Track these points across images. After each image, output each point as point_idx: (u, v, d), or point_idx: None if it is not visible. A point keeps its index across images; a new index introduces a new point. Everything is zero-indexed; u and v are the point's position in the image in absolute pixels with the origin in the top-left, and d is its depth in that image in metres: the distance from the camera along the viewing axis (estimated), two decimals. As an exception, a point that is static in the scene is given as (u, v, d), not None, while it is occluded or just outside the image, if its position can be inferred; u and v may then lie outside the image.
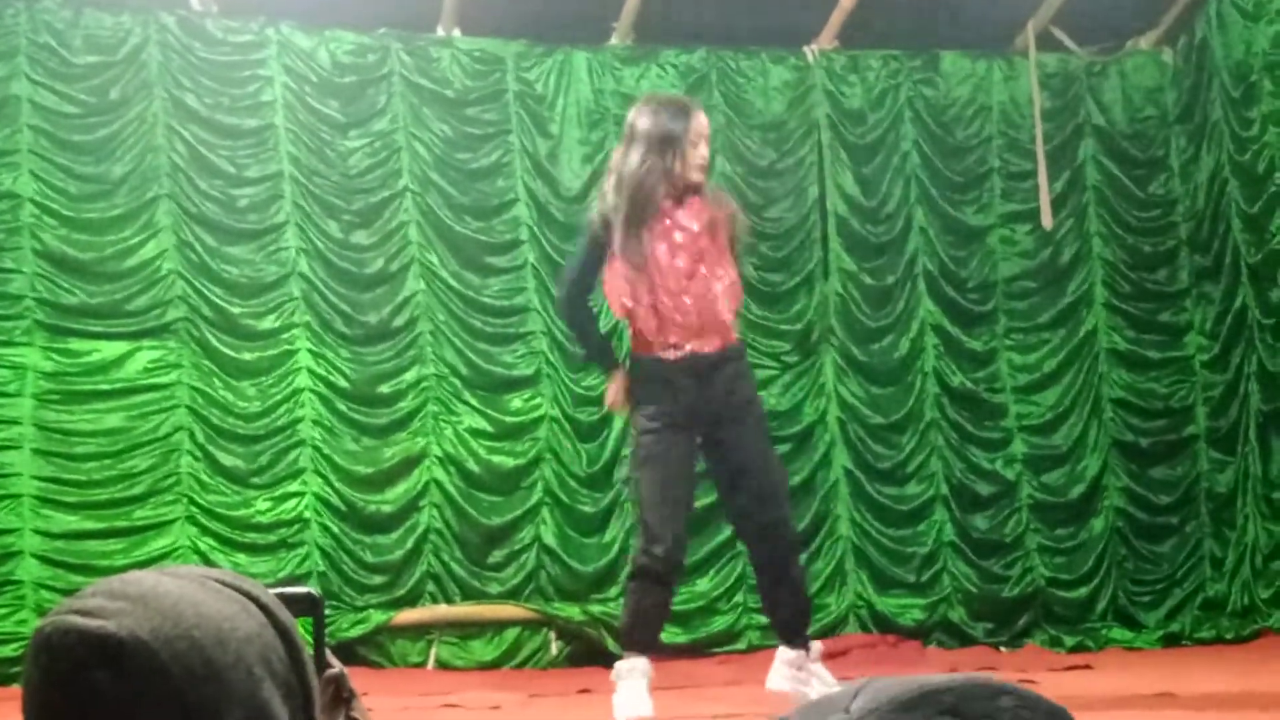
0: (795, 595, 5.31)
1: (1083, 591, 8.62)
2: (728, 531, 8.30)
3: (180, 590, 1.10)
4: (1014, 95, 8.96)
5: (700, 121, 5.32)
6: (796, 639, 5.29)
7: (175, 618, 1.07)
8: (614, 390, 5.33)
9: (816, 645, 5.39)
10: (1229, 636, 8.26)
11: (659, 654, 7.88)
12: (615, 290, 5.19)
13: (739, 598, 8.27)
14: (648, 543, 5.10)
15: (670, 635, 8.08)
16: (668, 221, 5.20)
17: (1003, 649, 8.30)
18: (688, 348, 5.16)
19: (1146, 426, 8.87)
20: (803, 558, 6.00)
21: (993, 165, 8.92)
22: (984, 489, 8.68)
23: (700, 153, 5.25)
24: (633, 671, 5.12)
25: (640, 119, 5.24)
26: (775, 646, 5.37)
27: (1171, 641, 8.42)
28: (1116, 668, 7.30)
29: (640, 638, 5.22)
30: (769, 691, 5.33)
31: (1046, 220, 8.72)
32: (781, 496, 5.35)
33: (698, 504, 8.31)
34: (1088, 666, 7.44)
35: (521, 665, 7.93)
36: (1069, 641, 8.36)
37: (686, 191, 5.25)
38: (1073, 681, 6.47)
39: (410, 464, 8.07)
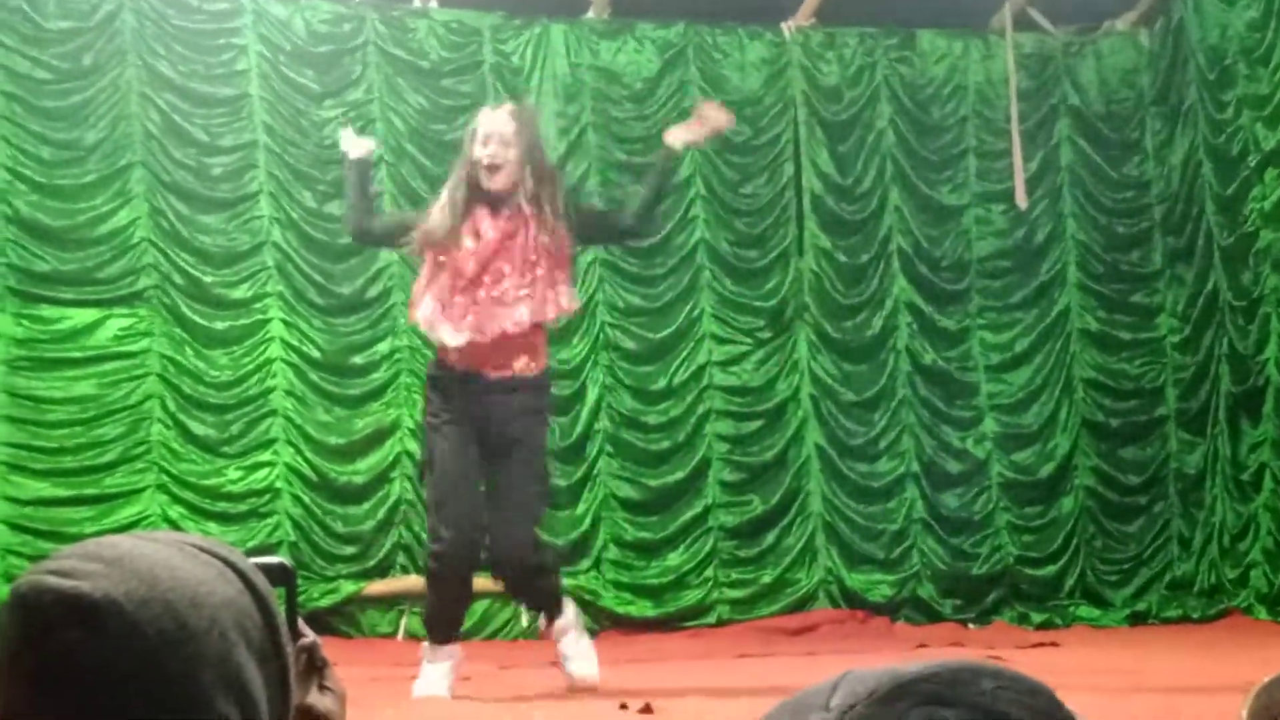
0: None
1: (1051, 569, 8.66)
2: (698, 507, 8.33)
3: (156, 554, 1.10)
4: (990, 75, 8.96)
5: (485, 118, 5.21)
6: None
7: (150, 580, 1.07)
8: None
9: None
10: (1195, 616, 8.31)
11: (627, 629, 7.93)
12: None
13: (709, 572, 8.28)
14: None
15: (640, 609, 8.11)
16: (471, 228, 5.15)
17: (970, 626, 8.34)
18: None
19: (1117, 407, 8.91)
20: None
21: (968, 144, 8.92)
22: (954, 467, 8.71)
23: (486, 152, 5.09)
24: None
25: None
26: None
27: (1138, 620, 8.48)
28: (1083, 645, 7.34)
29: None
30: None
31: (1021, 200, 8.72)
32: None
33: (666, 480, 8.38)
34: (1055, 644, 7.48)
35: (491, 637, 7.93)
36: (1036, 619, 8.41)
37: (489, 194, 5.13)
38: (1040, 659, 6.50)
39: (382, 435, 8.06)
